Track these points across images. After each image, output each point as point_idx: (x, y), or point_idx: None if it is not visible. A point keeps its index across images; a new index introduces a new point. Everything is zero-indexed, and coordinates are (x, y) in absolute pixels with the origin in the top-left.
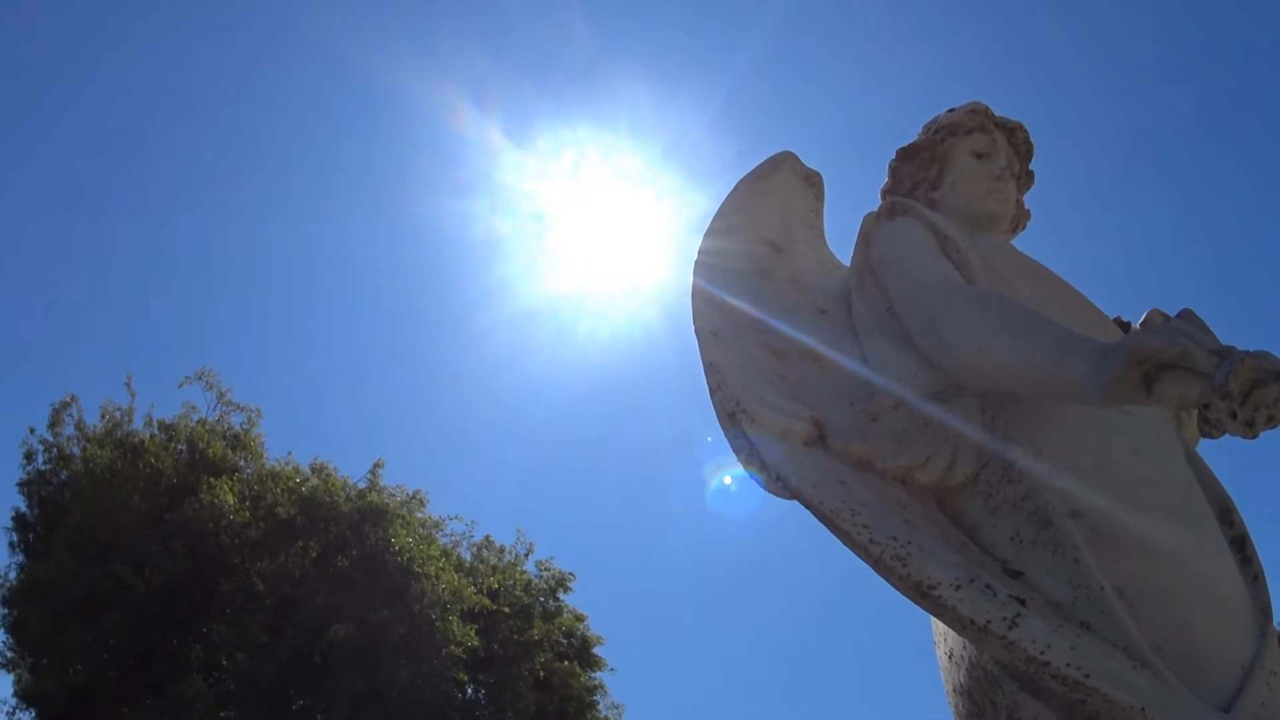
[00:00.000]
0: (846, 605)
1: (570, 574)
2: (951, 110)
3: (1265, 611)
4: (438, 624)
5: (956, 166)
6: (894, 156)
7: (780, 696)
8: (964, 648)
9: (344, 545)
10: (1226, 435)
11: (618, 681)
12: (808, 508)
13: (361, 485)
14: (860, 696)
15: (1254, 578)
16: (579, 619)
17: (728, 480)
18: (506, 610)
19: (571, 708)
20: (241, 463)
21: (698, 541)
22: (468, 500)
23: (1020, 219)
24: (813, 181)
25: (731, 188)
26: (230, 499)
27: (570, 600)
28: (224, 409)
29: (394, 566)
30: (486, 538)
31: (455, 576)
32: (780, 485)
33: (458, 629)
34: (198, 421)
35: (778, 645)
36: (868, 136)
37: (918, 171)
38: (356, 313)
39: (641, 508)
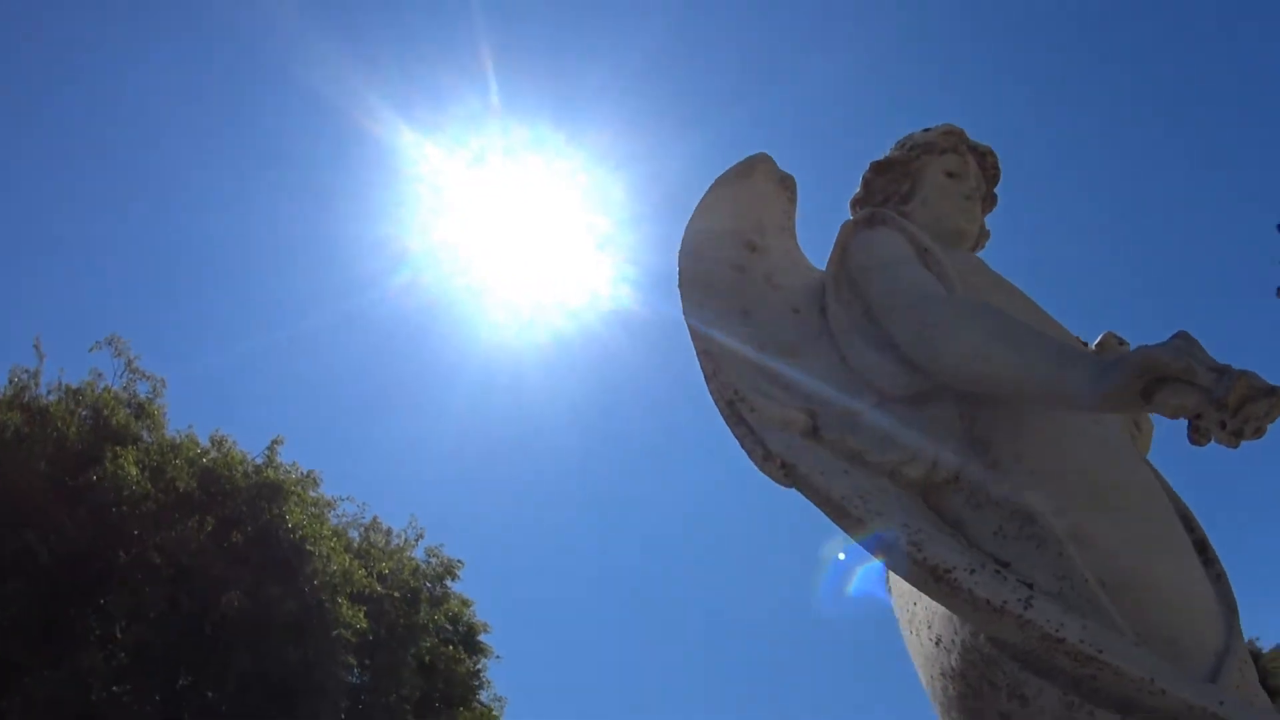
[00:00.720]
0: (738, 600)
1: (459, 561)
2: (927, 130)
3: (1231, 607)
4: (327, 605)
5: (928, 183)
6: (868, 169)
7: (664, 689)
8: (955, 633)
9: (239, 520)
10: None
11: (502, 670)
12: (812, 494)
13: (259, 461)
14: (748, 693)
15: (1217, 576)
16: (465, 604)
17: None
18: (395, 595)
19: (456, 693)
20: (144, 433)
21: (587, 535)
22: (360, 483)
23: (982, 238)
24: (786, 184)
25: (709, 186)
26: (132, 469)
27: (457, 588)
28: (130, 377)
29: (287, 544)
30: (375, 520)
31: (346, 558)
32: (785, 472)
33: (347, 611)
34: (104, 389)
35: (665, 640)
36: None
37: (890, 185)
38: (265, 294)
39: (534, 501)
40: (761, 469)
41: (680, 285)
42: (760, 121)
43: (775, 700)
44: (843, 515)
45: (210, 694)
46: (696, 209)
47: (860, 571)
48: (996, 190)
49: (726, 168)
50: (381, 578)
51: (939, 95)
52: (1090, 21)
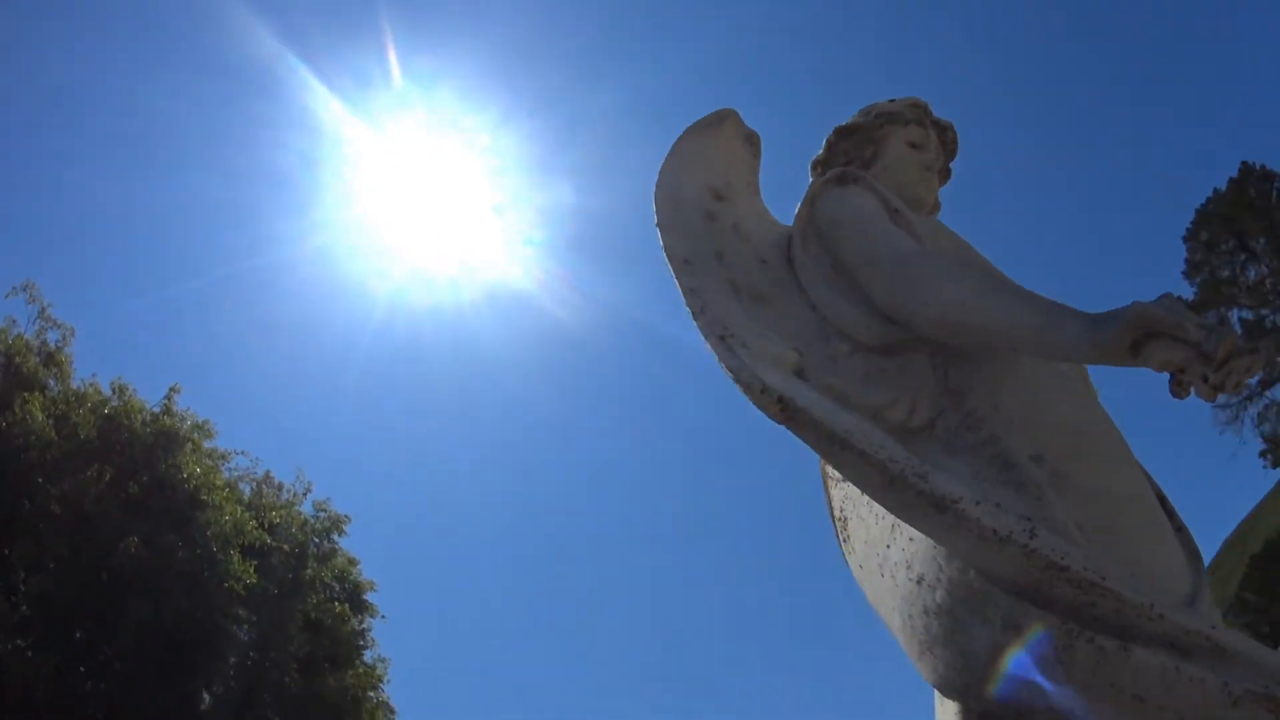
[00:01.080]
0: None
1: (346, 516)
2: (893, 100)
3: (1196, 555)
4: (219, 556)
5: (891, 151)
6: (831, 133)
7: (547, 656)
8: (941, 570)
9: (136, 469)
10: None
11: (386, 630)
12: (809, 429)
13: (156, 410)
14: (633, 657)
15: (1178, 529)
16: (352, 563)
17: None
18: (285, 547)
19: (341, 652)
20: (51, 381)
21: (477, 501)
22: (254, 439)
23: (934, 209)
24: (752, 141)
25: (680, 134)
26: (39, 416)
27: (345, 545)
28: (42, 324)
29: (182, 494)
30: (267, 474)
31: (238, 509)
32: (781, 407)
33: (238, 564)
34: (16, 336)
35: (548, 602)
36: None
37: (853, 150)
38: (170, 250)
39: (425, 462)
40: (758, 403)
41: (659, 225)
42: (667, 82)
43: (657, 670)
44: (844, 448)
45: (106, 648)
46: (669, 155)
47: None
48: (951, 165)
49: (638, 124)
50: (272, 529)
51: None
52: None
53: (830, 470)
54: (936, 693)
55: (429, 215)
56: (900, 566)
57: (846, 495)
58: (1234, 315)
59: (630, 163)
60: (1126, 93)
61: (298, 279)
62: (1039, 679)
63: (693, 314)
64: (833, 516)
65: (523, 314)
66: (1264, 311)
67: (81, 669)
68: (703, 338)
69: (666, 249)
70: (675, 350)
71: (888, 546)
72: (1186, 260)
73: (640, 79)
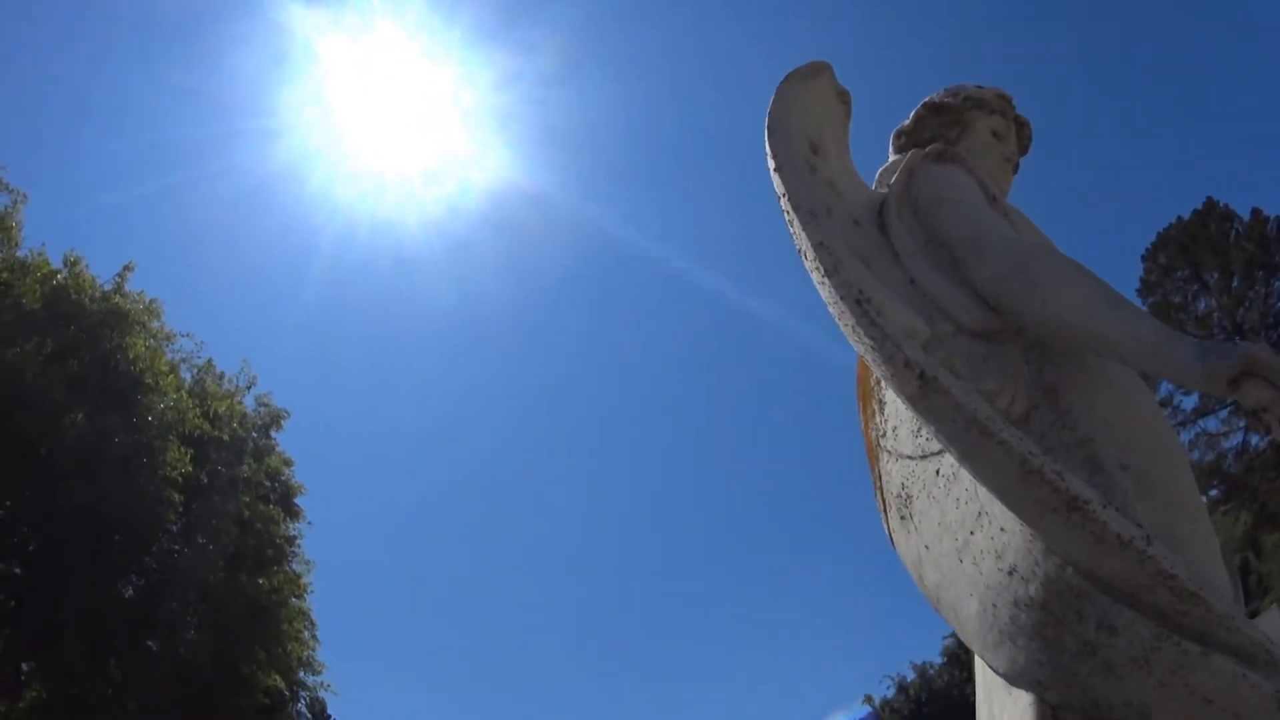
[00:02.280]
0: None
1: (285, 411)
2: (980, 87)
3: (1233, 567)
4: (158, 442)
5: (974, 137)
6: (921, 106)
7: (469, 578)
8: (1037, 564)
9: (81, 346)
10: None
11: (312, 536)
12: (945, 410)
13: (108, 287)
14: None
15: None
16: (286, 463)
17: None
18: (226, 438)
19: (269, 553)
20: None
21: (424, 414)
22: (202, 330)
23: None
24: (844, 99)
25: (782, 80)
26: None
27: (283, 445)
28: None
29: (126, 375)
30: (209, 362)
31: (181, 395)
32: (922, 383)
33: (176, 451)
34: None
35: (471, 524)
36: None
37: (940, 128)
38: (142, 141)
39: (371, 373)
40: (899, 377)
41: (779, 168)
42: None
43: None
44: (984, 435)
45: (27, 528)
46: (776, 99)
47: None
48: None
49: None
50: (214, 419)
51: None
52: None
53: (888, 445)
54: (999, 682)
55: (396, 121)
56: (987, 554)
57: (913, 474)
58: None
59: (593, 75)
60: (1119, 102)
61: (263, 178)
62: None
63: (825, 271)
64: (882, 493)
65: (483, 223)
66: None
67: (14, 543)
68: (829, 299)
69: (790, 196)
70: (638, 262)
71: (971, 533)
72: (1141, 279)
73: None
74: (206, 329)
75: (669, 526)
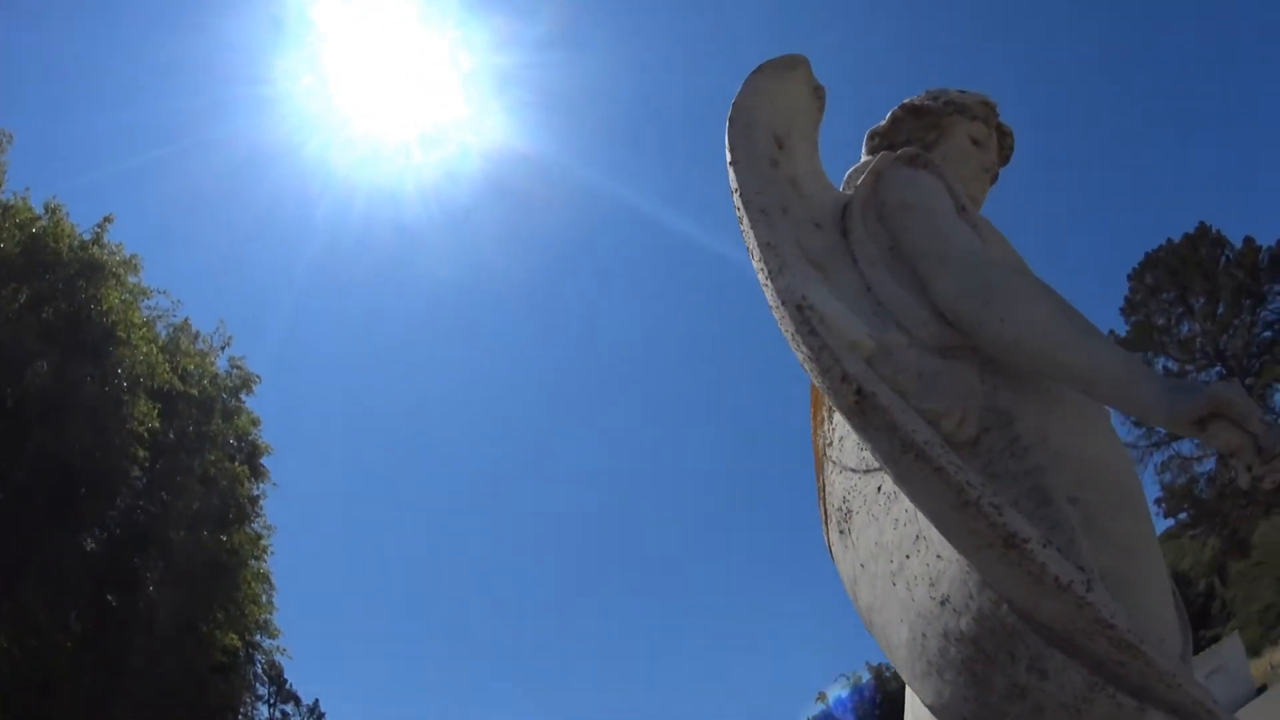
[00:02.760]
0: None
1: (257, 376)
2: (963, 91)
3: (1184, 614)
4: (126, 396)
5: (953, 143)
6: (898, 108)
7: (432, 547)
8: (971, 597)
9: (55, 295)
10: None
11: (276, 497)
12: (882, 430)
13: (87, 238)
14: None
15: (1172, 591)
16: (254, 422)
17: None
18: (195, 394)
19: (232, 513)
20: None
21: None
22: (179, 284)
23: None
24: (818, 94)
25: (751, 72)
26: None
27: (251, 406)
28: None
29: (99, 328)
30: (186, 321)
31: (153, 349)
32: (859, 399)
33: (143, 406)
34: None
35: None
36: None
37: (917, 132)
38: (142, 109)
39: (349, 340)
40: (835, 391)
41: (734, 162)
42: None
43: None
44: (919, 459)
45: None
46: (743, 90)
47: None
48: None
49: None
50: (184, 376)
51: None
52: None
53: (834, 455)
54: (927, 713)
55: (393, 86)
56: (921, 581)
57: (854, 488)
58: (1159, 363)
59: (593, 36)
60: (1122, 115)
61: (257, 146)
62: None
63: (769, 273)
64: (825, 503)
65: (485, 186)
66: (1189, 367)
67: None
68: (772, 302)
69: (741, 191)
70: (640, 226)
71: (907, 557)
72: (1126, 298)
73: None
74: (198, 297)
75: (643, 516)
